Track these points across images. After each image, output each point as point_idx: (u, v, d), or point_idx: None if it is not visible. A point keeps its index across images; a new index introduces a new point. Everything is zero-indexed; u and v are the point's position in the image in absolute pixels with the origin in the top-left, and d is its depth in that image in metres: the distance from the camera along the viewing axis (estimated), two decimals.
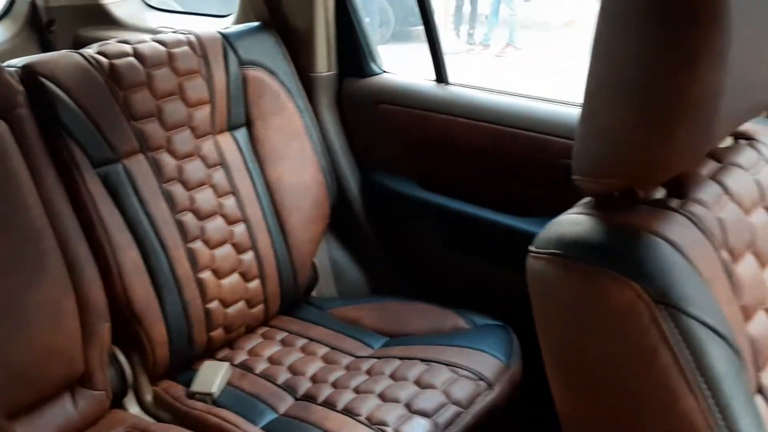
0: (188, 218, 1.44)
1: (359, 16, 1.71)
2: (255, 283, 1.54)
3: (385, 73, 1.75)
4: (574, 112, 1.41)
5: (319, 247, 1.70)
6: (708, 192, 0.74)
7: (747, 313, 0.72)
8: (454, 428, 1.23)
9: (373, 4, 4.33)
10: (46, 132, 1.28)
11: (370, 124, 1.74)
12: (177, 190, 1.43)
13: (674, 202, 0.71)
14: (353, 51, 1.73)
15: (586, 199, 0.74)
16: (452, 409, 1.25)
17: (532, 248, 0.71)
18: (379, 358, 1.42)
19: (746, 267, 0.73)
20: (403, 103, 1.67)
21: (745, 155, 0.81)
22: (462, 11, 5.60)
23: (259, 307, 1.56)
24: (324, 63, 1.72)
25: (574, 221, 0.70)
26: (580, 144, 0.70)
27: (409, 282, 1.76)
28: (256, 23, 1.69)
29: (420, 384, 1.31)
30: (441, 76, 1.66)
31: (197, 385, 1.36)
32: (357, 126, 1.77)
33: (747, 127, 0.87)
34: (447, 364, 1.35)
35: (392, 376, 1.35)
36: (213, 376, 1.37)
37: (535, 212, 1.47)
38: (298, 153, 1.61)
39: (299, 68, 1.67)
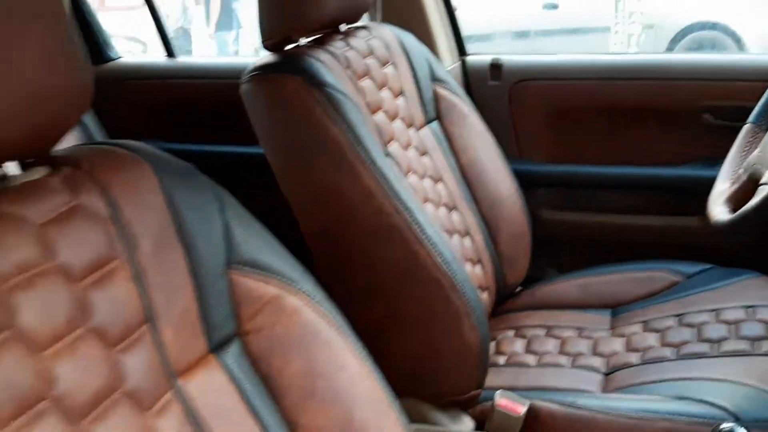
0: None
1: (91, 10, 2.08)
2: None
3: (121, 58, 2.14)
4: None
5: None
6: (338, 45, 1.28)
7: (371, 109, 1.27)
8: None
9: None
10: None
11: (117, 104, 2.10)
12: None
13: (320, 45, 1.25)
14: (91, 42, 2.09)
15: None
16: None
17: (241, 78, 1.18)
18: None
19: (366, 84, 1.28)
20: (146, 78, 2.08)
21: (362, 34, 1.38)
22: None
23: None
24: None
25: (264, 58, 1.20)
26: (261, 18, 1.20)
27: None
28: None
29: None
30: (170, 52, 2.09)
31: None
32: (106, 108, 2.12)
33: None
34: None
35: None
36: None
37: None
38: None
39: None
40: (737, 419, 1.04)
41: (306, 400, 0.73)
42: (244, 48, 6.38)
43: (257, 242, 0.75)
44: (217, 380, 0.70)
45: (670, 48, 5.39)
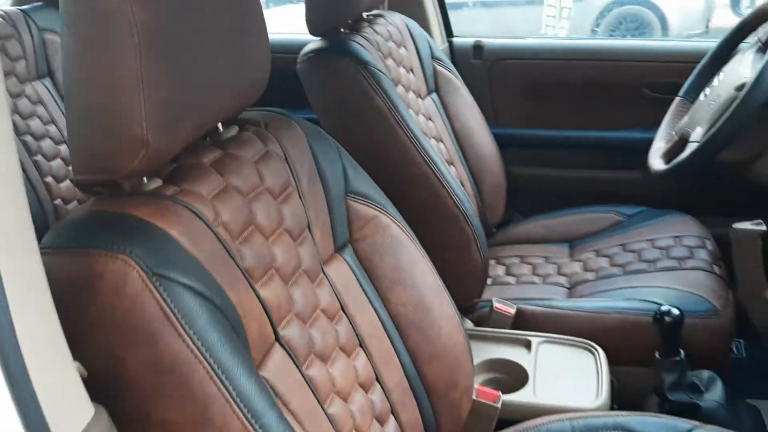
0: None
1: None
2: None
3: None
4: None
5: None
6: (368, 31, 1.61)
7: (395, 83, 1.61)
8: None
9: None
10: None
11: None
12: None
13: (356, 31, 1.57)
14: None
15: None
16: None
17: None
18: None
19: (390, 63, 1.62)
20: None
21: (381, 21, 1.71)
22: None
23: None
24: None
25: (315, 42, 1.52)
26: (309, 11, 1.51)
27: None
28: None
29: None
30: None
31: None
32: None
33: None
34: None
35: None
36: None
37: None
38: None
39: None
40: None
41: (395, 285, 1.09)
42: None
43: (361, 179, 1.10)
44: (342, 269, 1.05)
45: (597, 20, 5.87)
